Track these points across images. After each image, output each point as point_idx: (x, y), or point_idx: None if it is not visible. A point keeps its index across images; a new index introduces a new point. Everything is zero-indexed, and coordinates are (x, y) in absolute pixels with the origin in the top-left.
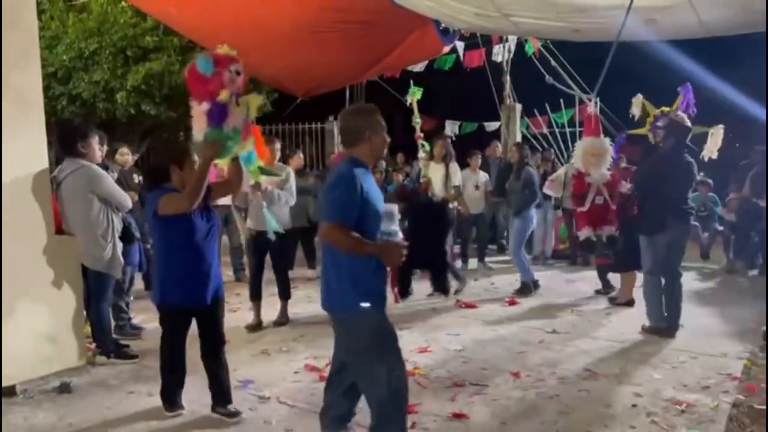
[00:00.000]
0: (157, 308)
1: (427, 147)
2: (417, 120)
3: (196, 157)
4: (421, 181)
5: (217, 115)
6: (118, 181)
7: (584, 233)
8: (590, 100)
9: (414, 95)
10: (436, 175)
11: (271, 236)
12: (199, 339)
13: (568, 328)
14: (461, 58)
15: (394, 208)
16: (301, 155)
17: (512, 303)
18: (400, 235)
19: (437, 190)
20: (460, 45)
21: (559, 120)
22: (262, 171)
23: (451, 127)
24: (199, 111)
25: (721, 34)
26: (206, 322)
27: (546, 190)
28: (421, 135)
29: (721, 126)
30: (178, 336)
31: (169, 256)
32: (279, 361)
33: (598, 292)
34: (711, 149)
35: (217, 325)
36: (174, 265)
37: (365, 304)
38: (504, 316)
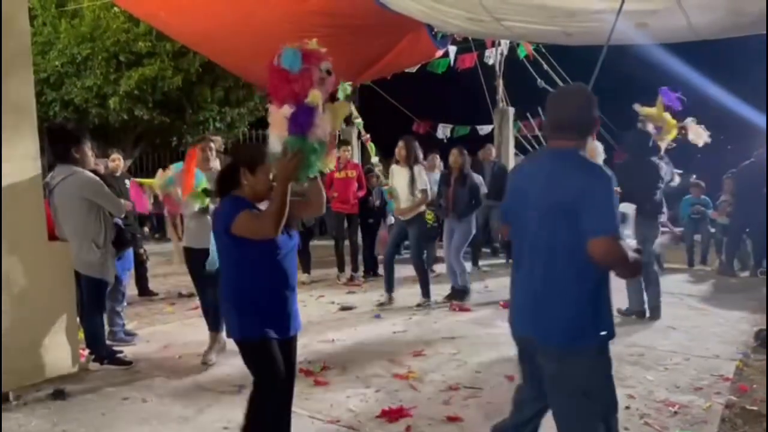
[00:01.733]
0: (238, 346)
1: (374, 149)
2: (357, 119)
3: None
4: (383, 188)
5: (303, 121)
6: (110, 186)
7: None
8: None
9: (345, 91)
10: (401, 180)
11: (211, 267)
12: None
13: None
14: (452, 63)
15: (630, 209)
16: None
17: (506, 306)
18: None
19: (402, 196)
20: (452, 49)
21: None
22: (208, 194)
23: (443, 131)
24: (278, 115)
25: (711, 37)
26: (284, 358)
27: None
28: (368, 136)
29: (690, 119)
30: (279, 380)
31: (248, 279)
32: None
33: None
34: (697, 139)
35: (295, 365)
36: (253, 289)
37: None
38: (498, 319)
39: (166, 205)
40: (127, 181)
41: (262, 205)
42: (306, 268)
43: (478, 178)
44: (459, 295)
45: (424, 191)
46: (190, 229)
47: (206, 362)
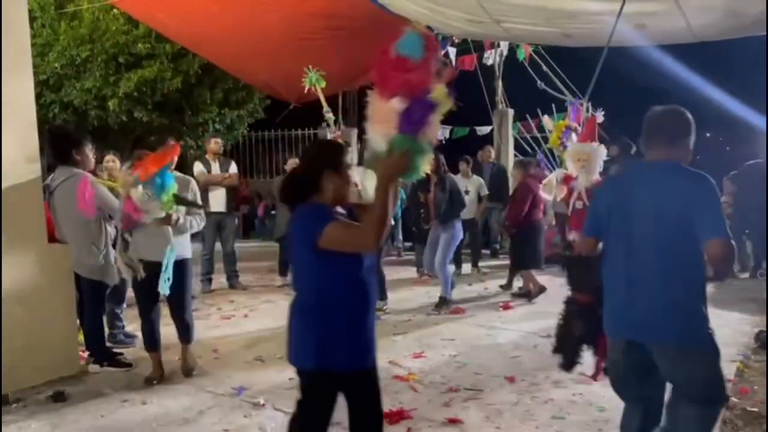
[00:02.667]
0: (306, 376)
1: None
2: (328, 114)
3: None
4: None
5: (418, 118)
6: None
7: (571, 236)
8: (582, 105)
9: (316, 83)
10: (370, 182)
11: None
12: (349, 421)
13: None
14: (452, 63)
15: None
16: (298, 161)
17: (506, 308)
18: None
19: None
20: (452, 51)
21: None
22: (179, 201)
23: (442, 132)
24: (386, 108)
25: (711, 39)
26: (367, 391)
27: (541, 194)
28: (339, 132)
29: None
30: (325, 416)
31: (333, 300)
32: (273, 368)
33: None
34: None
35: (379, 395)
36: (338, 312)
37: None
38: (498, 320)
39: (125, 209)
40: None
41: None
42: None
43: (456, 182)
44: (443, 303)
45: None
46: (143, 238)
47: (192, 369)
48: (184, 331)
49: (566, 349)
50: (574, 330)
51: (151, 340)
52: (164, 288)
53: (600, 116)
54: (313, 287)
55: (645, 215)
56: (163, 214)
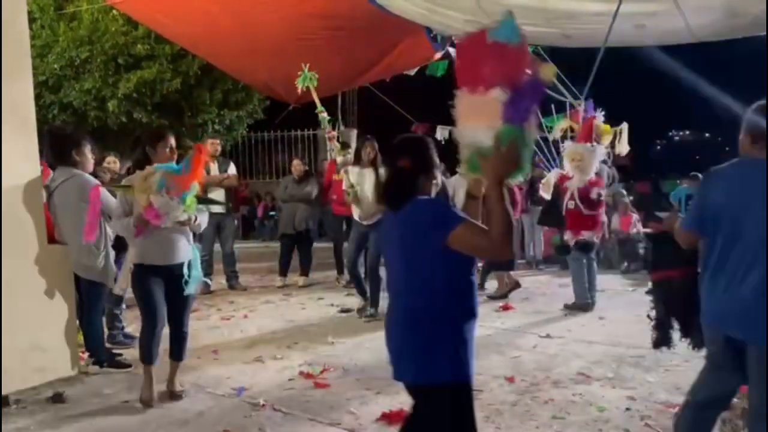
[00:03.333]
0: (436, 394)
1: (339, 148)
2: (323, 114)
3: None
4: (347, 190)
5: (528, 103)
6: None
7: (567, 235)
8: (580, 105)
9: (309, 81)
10: (368, 183)
11: (192, 289)
12: None
13: (562, 333)
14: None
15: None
16: (304, 161)
17: (506, 308)
18: None
19: (371, 199)
20: (452, 51)
21: (549, 125)
22: (201, 201)
23: (441, 133)
24: (481, 100)
25: (710, 39)
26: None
27: (541, 193)
28: (335, 134)
29: (625, 124)
30: None
31: (457, 306)
32: (273, 368)
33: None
34: (620, 148)
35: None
36: (463, 317)
37: None
38: (498, 320)
39: (146, 216)
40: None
41: None
42: (305, 271)
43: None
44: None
45: None
46: (151, 243)
47: (181, 394)
48: (180, 346)
49: (665, 327)
50: (676, 305)
51: (151, 352)
52: (190, 287)
53: (600, 116)
54: (435, 288)
55: (757, 217)
56: (185, 216)
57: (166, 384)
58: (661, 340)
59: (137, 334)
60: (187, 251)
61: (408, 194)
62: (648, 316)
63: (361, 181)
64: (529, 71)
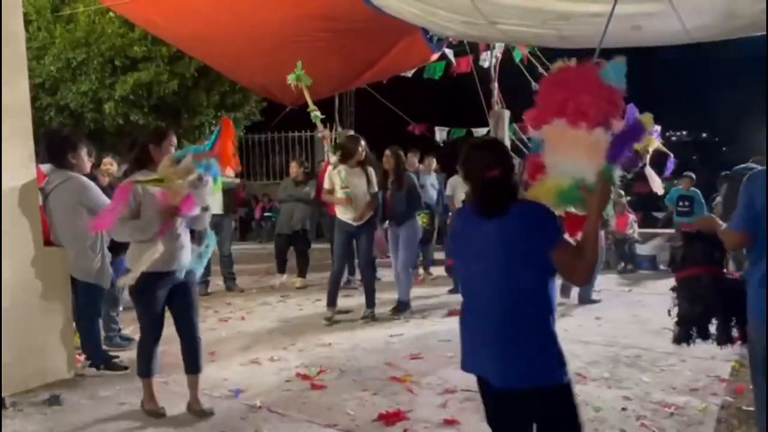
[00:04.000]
0: (552, 394)
1: (332, 147)
2: (315, 112)
3: None
4: (341, 189)
5: (626, 148)
6: (109, 188)
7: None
8: None
9: (301, 80)
10: (360, 183)
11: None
12: None
13: (558, 333)
14: (453, 63)
15: None
16: (305, 164)
17: None
18: None
19: (363, 200)
20: (449, 52)
21: None
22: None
23: (440, 134)
24: (584, 134)
25: (706, 40)
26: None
27: None
28: (327, 132)
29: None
30: None
31: (549, 305)
32: (269, 369)
33: (451, 291)
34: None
35: None
36: (553, 318)
37: None
38: None
39: (183, 207)
40: None
41: None
42: (302, 272)
43: (414, 179)
44: (403, 307)
45: (375, 194)
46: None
47: (210, 411)
48: (196, 355)
49: (689, 324)
50: (711, 302)
51: (152, 365)
52: (201, 263)
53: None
54: (534, 289)
55: None
56: (212, 201)
57: (187, 405)
58: (683, 336)
59: (135, 337)
60: (189, 253)
61: (508, 200)
62: (669, 312)
63: (350, 182)
64: (633, 115)
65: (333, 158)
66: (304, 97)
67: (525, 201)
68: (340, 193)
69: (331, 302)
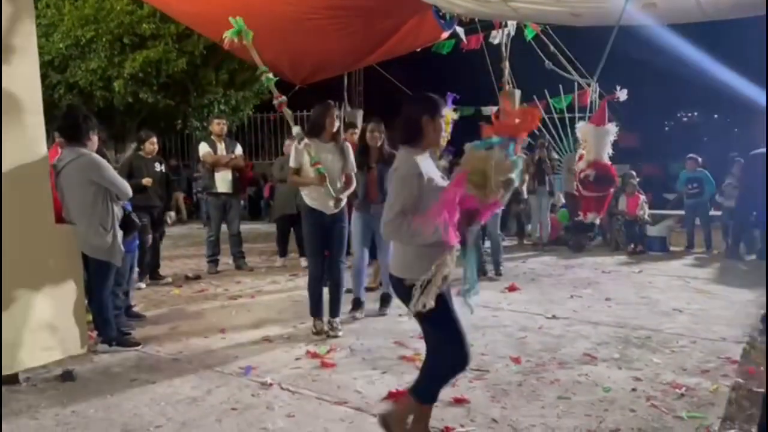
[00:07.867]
0: None
1: (291, 116)
2: (267, 75)
3: None
4: (311, 167)
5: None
6: (138, 168)
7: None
8: (589, 85)
9: (243, 36)
10: (334, 161)
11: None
12: None
13: (568, 314)
14: (464, 41)
15: None
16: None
17: (512, 289)
18: None
19: (337, 182)
20: (460, 30)
21: (557, 105)
22: None
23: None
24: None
25: (720, 17)
26: None
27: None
28: (284, 99)
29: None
30: None
31: None
32: (280, 348)
33: None
34: None
35: None
36: None
37: None
38: (504, 301)
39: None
40: (157, 164)
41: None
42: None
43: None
44: (359, 305)
45: (350, 176)
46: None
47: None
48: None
49: None
50: None
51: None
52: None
53: (623, 95)
54: None
55: None
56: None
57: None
58: None
59: (146, 314)
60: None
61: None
62: None
63: (324, 159)
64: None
65: (296, 130)
66: (314, 76)
67: None
68: (310, 172)
69: (316, 312)
